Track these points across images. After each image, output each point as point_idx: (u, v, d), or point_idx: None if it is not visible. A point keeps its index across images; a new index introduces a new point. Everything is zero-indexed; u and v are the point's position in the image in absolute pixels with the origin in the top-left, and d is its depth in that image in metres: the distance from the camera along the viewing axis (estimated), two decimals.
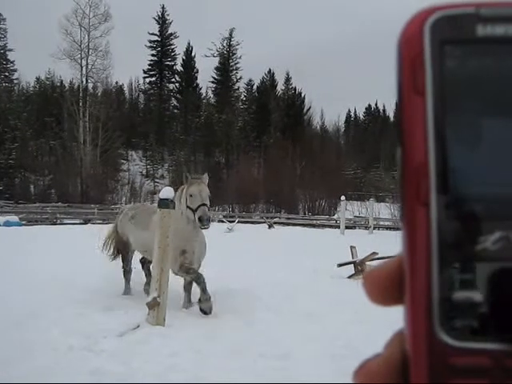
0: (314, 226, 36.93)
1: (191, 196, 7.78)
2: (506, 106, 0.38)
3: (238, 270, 11.53)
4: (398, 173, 0.40)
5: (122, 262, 9.42)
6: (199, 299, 7.60)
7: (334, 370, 5.26)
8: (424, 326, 0.38)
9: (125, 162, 68.46)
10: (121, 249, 9.51)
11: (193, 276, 7.77)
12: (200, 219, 7.58)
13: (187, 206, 7.80)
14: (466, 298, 0.38)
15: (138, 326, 6.58)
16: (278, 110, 74.35)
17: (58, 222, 33.86)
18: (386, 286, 0.42)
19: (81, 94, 56.48)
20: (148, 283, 8.57)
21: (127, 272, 9.33)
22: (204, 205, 7.71)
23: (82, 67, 57.25)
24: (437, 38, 0.39)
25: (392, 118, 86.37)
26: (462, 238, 0.38)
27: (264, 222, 35.84)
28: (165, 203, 6.84)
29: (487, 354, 0.37)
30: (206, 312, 7.47)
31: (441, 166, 0.38)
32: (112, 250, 9.66)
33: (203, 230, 8.09)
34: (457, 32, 0.38)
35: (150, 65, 78.05)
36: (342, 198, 31.76)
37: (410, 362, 0.39)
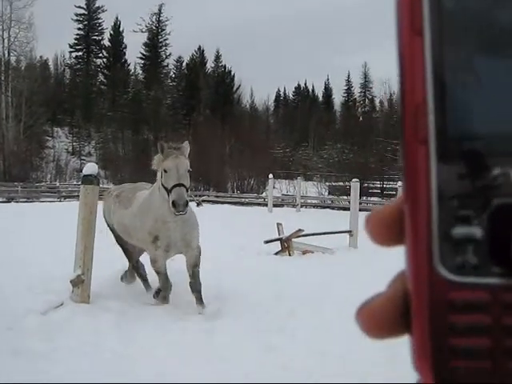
0: (242, 203, 37.03)
1: (166, 172, 6.47)
2: (504, 44, 0.38)
3: None
4: (398, 112, 0.41)
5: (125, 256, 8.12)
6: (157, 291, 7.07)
7: (258, 346, 5.39)
8: (424, 262, 0.39)
9: (50, 138, 66.68)
10: (117, 241, 8.13)
11: (160, 281, 6.94)
12: (174, 204, 6.22)
13: (162, 184, 6.54)
14: (465, 233, 0.38)
15: (62, 304, 6.50)
16: (207, 87, 74.06)
17: None
18: (389, 225, 0.42)
19: (3, 68, 54.27)
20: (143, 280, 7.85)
21: (135, 268, 7.99)
22: (180, 185, 6.33)
23: (3, 39, 54.99)
24: None
25: (321, 98, 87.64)
26: (462, 175, 0.38)
27: (192, 200, 35.78)
28: (88, 179, 6.74)
29: (486, 288, 0.38)
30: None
31: (439, 104, 0.38)
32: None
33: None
34: None
35: (76, 39, 76.17)
36: (270, 176, 32.06)
37: (411, 299, 0.40)
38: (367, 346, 5.53)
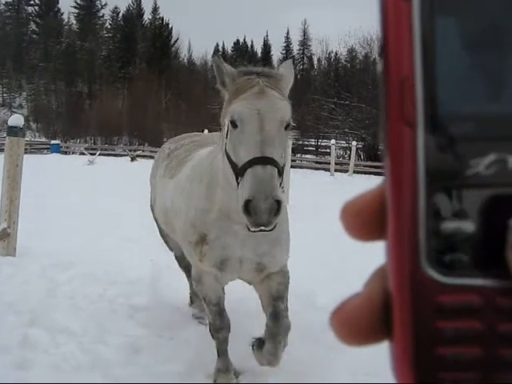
0: None
1: (234, 126, 2.81)
2: (498, 13, 0.33)
3: (93, 202, 11.54)
4: (380, 90, 0.36)
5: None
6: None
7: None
8: (409, 261, 0.35)
9: None
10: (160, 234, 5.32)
11: (207, 316, 3.83)
12: (246, 209, 2.57)
13: (226, 153, 2.92)
14: (455, 228, 0.34)
15: None
16: (144, 40, 72.64)
17: None
18: (366, 218, 0.38)
19: None
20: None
21: (180, 265, 5.26)
22: (265, 160, 2.62)
23: None
24: None
25: (259, 54, 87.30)
26: (452, 162, 0.34)
27: (127, 155, 35.47)
28: (13, 131, 6.61)
29: (478, 291, 0.34)
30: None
31: (428, 79, 0.34)
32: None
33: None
34: None
35: None
36: (205, 131, 31.97)
37: (393, 302, 0.36)
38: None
